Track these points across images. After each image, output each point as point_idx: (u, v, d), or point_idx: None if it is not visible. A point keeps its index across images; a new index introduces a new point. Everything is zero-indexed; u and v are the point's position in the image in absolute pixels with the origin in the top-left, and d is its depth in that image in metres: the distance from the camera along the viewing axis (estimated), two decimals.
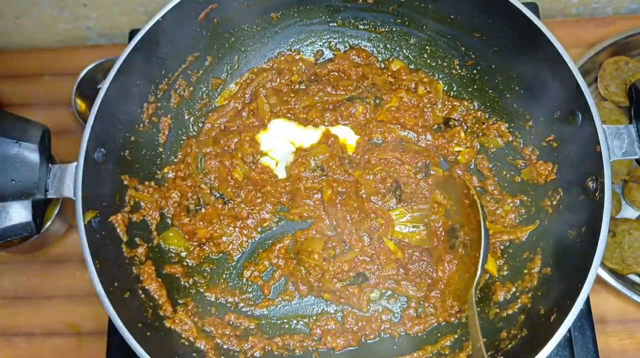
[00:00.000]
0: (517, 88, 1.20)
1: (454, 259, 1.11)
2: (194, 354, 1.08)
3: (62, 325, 1.33)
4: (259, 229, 1.23)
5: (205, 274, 1.20)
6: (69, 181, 1.02)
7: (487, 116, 1.27)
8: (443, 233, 1.15)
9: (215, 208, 1.21)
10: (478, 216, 1.01)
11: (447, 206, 1.15)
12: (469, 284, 1.01)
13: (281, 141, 1.27)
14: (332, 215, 1.20)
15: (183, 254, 1.20)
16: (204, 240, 1.20)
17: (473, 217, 1.04)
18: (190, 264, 1.20)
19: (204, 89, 1.31)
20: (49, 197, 1.02)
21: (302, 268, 1.17)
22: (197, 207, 1.22)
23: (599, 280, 1.23)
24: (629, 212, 1.33)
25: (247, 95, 1.32)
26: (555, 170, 1.13)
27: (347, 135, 1.27)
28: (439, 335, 1.14)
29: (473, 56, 1.26)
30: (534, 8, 1.35)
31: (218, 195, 1.23)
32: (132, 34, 1.40)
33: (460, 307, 1.13)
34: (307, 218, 1.22)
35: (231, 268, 1.21)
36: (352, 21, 1.32)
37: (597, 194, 0.99)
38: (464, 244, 1.09)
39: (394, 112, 1.26)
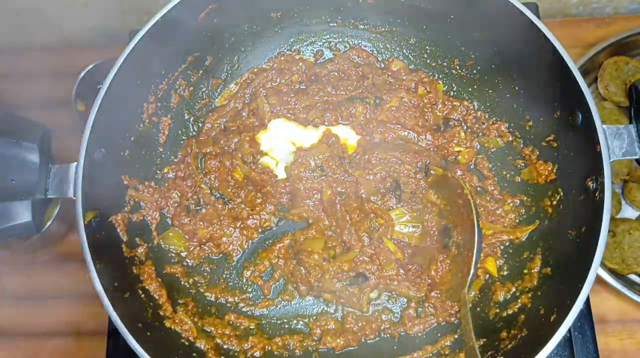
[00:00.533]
0: (517, 88, 1.20)
1: (447, 259, 1.11)
2: (194, 354, 1.08)
3: (62, 325, 1.33)
4: (259, 230, 1.23)
5: (205, 274, 1.20)
6: (69, 181, 1.01)
7: (487, 116, 1.27)
8: (436, 233, 1.15)
9: (215, 208, 1.21)
10: (472, 216, 1.01)
11: (441, 206, 1.15)
12: (463, 284, 1.01)
13: (281, 141, 1.27)
14: (332, 216, 1.20)
15: (183, 254, 1.20)
16: (204, 240, 1.20)
17: (467, 217, 1.04)
18: (190, 264, 1.20)
19: (204, 89, 1.31)
20: (49, 197, 1.02)
21: (302, 268, 1.17)
22: (197, 207, 1.22)
23: (599, 280, 1.23)
24: (629, 212, 1.33)
25: (247, 95, 1.32)
26: (555, 170, 1.13)
27: (348, 135, 1.27)
28: (438, 335, 1.14)
29: (473, 56, 1.26)
30: (534, 8, 1.35)
31: (218, 195, 1.23)
32: (132, 34, 1.40)
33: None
34: (307, 218, 1.22)
35: (231, 268, 1.21)
36: (352, 21, 1.32)
37: (597, 194, 0.98)
38: (457, 244, 1.09)
39: (394, 112, 1.26)
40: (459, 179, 1.11)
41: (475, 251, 0.99)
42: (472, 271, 0.99)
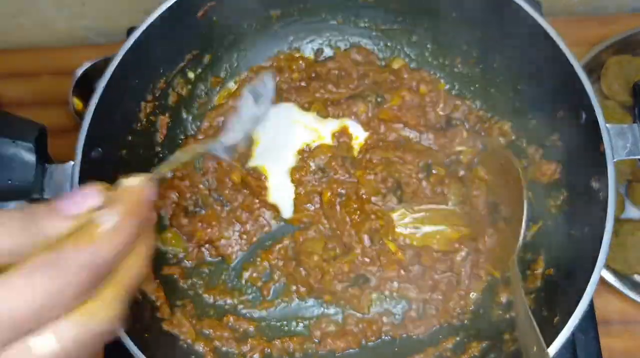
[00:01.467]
0: (519, 87, 1.19)
1: (495, 233, 1.12)
2: (193, 357, 1.07)
3: None
4: (258, 233, 1.21)
5: (204, 275, 1.19)
6: (66, 181, 1.00)
7: (489, 115, 1.26)
8: (485, 209, 1.15)
9: (214, 210, 1.20)
10: (520, 191, 1.04)
11: (489, 182, 1.15)
12: (510, 253, 1.05)
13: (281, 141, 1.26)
14: (332, 218, 1.19)
15: (181, 255, 1.19)
16: (202, 242, 1.19)
17: (515, 192, 1.06)
18: (188, 265, 1.19)
19: (203, 87, 1.30)
20: (45, 197, 1.01)
21: (301, 269, 1.16)
22: (196, 209, 1.21)
23: (602, 281, 1.22)
24: (632, 213, 1.32)
25: None
26: (558, 170, 1.12)
27: (358, 133, 1.25)
28: (440, 337, 1.13)
29: (475, 55, 1.25)
30: (537, 6, 1.34)
31: (216, 196, 1.22)
32: (130, 32, 1.39)
33: (467, 305, 1.13)
34: (307, 222, 1.20)
35: (230, 269, 1.20)
36: (353, 19, 1.31)
37: (600, 194, 0.97)
38: (506, 218, 1.10)
39: (396, 111, 1.25)
40: (509, 154, 1.12)
41: (524, 221, 1.04)
42: (520, 239, 1.04)
